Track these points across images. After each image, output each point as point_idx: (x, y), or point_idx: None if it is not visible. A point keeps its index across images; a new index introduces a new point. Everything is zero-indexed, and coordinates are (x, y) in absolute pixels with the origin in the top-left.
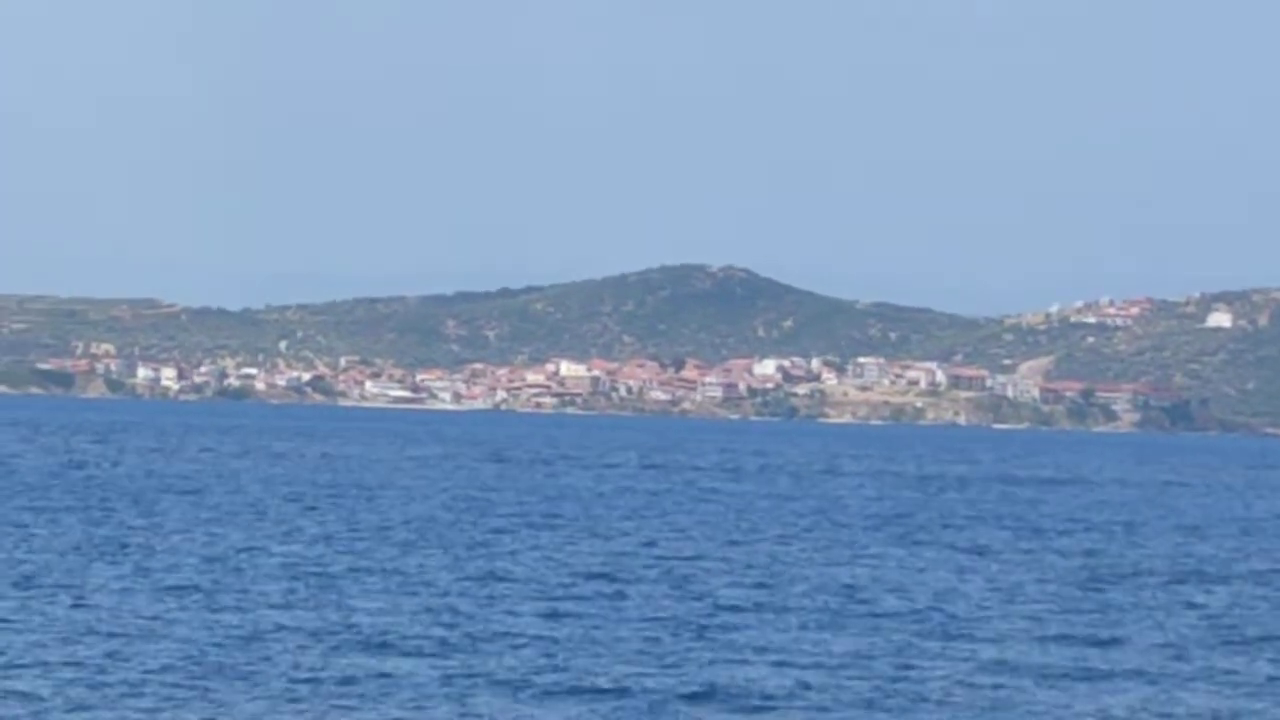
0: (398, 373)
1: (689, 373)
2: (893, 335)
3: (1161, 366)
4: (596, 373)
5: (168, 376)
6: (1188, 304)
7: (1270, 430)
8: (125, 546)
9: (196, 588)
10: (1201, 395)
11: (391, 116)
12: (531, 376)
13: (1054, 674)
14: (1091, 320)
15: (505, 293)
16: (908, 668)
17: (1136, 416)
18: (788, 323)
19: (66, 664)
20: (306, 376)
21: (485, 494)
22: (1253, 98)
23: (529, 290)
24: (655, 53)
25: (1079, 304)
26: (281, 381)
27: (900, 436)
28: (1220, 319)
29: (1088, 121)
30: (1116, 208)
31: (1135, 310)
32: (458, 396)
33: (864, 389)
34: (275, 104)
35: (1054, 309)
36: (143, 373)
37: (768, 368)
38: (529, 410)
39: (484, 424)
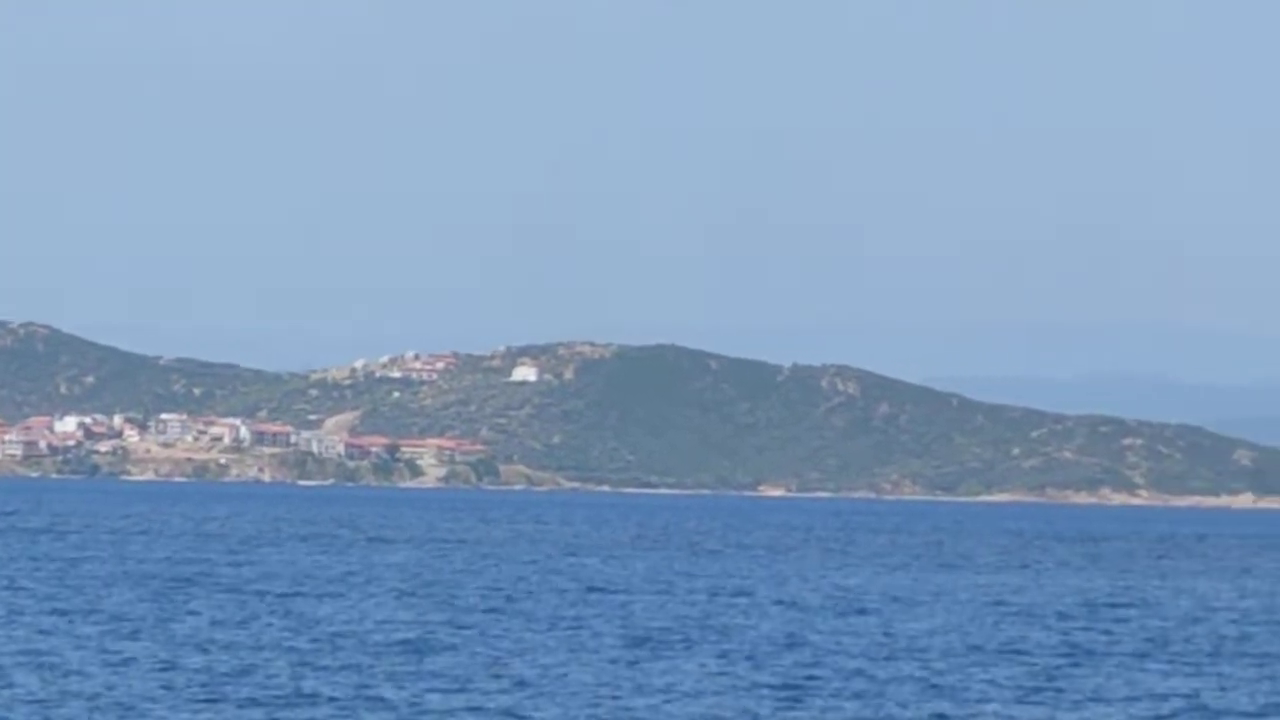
0: None
1: None
2: (197, 391)
3: (467, 421)
4: None
5: None
6: (494, 358)
7: (573, 484)
8: None
9: None
10: (507, 450)
11: None
12: None
13: None
14: (397, 375)
15: None
16: None
17: (442, 471)
18: (90, 379)
19: None
20: None
21: None
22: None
23: None
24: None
25: (385, 359)
26: None
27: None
28: (526, 373)
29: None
30: (421, 266)
31: (441, 365)
32: None
33: (167, 446)
34: None
35: (360, 364)
36: None
37: (69, 425)
38: None
39: None
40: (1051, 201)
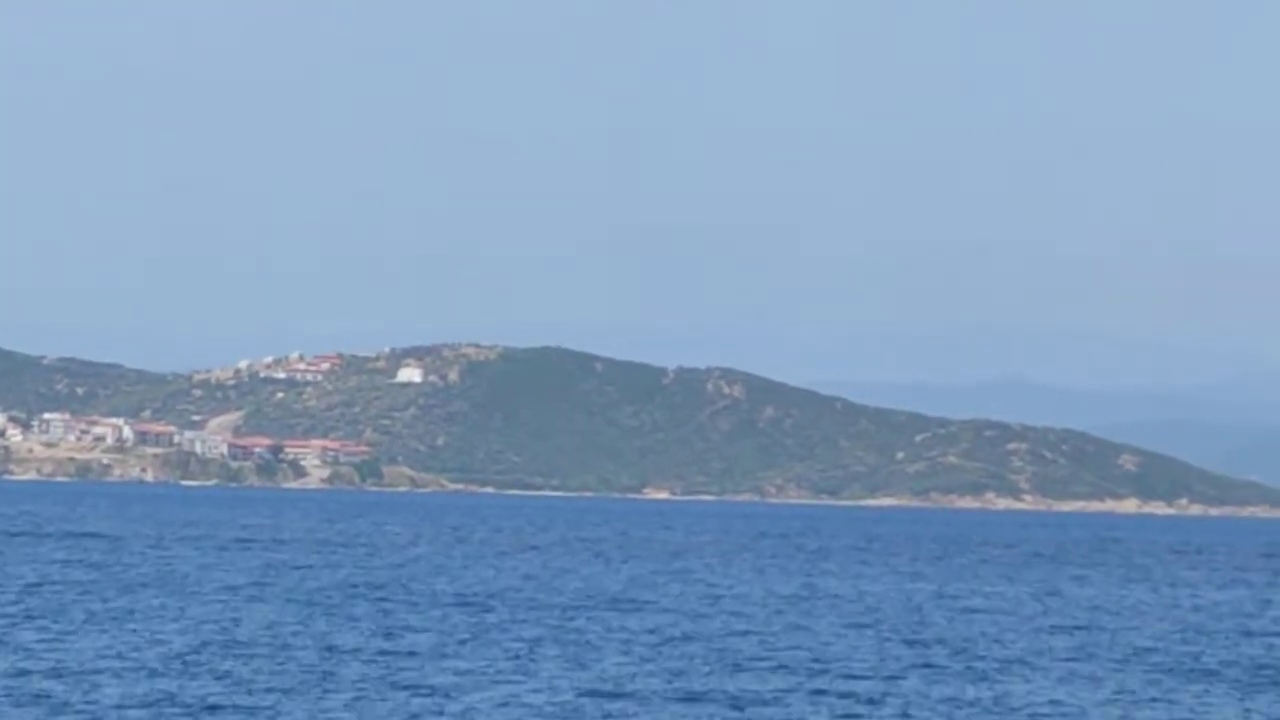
0: None
1: None
2: (80, 391)
3: (352, 422)
4: None
5: None
6: (379, 359)
7: (457, 486)
8: None
9: None
10: (391, 451)
11: None
12: None
13: None
14: (282, 376)
15: None
16: None
17: (326, 472)
18: None
19: None
20: None
21: None
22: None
23: None
24: None
25: (269, 359)
26: None
27: None
28: (411, 374)
29: (274, 189)
30: (305, 266)
31: (326, 366)
32: None
33: (50, 445)
34: None
35: (244, 364)
36: None
37: None
38: None
39: None
40: (940, 207)
